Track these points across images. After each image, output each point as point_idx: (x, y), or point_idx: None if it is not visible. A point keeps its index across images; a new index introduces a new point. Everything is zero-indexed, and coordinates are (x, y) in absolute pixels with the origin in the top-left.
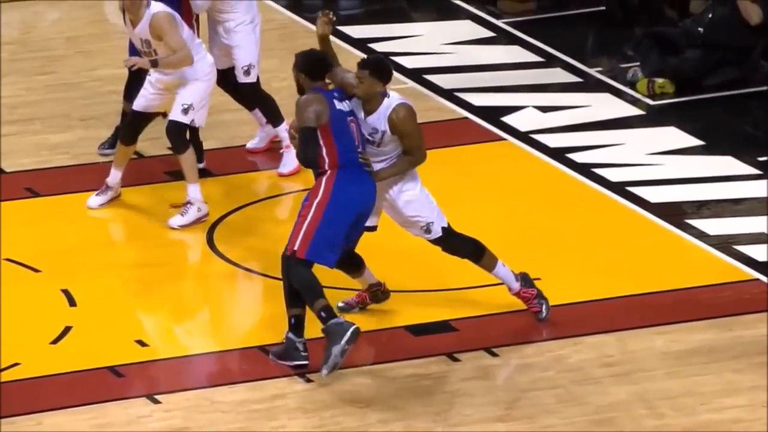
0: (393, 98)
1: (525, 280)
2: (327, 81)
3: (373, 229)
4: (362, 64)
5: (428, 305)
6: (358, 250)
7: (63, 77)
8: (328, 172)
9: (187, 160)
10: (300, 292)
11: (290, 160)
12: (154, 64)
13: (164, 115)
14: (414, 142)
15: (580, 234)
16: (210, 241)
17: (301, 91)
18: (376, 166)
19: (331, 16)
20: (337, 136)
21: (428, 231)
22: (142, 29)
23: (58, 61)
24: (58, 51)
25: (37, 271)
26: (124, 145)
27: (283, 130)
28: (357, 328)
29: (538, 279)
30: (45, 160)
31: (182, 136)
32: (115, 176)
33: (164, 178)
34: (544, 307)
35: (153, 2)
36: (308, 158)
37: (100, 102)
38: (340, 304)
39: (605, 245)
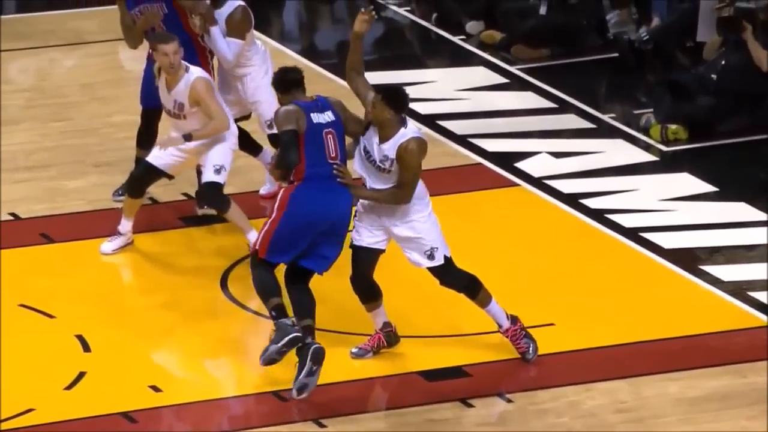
0: (409, 130)
1: (514, 321)
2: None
3: (382, 251)
4: (378, 89)
5: (441, 350)
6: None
7: (78, 123)
8: (294, 183)
9: (233, 213)
10: (255, 289)
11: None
12: (188, 138)
13: (170, 177)
14: (408, 178)
15: (594, 279)
16: (224, 286)
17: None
18: (388, 218)
19: (373, 13)
20: (307, 148)
21: (431, 257)
22: (179, 92)
23: (74, 107)
24: (74, 97)
25: (51, 316)
26: (132, 199)
27: None
28: (319, 349)
29: (552, 324)
30: (60, 206)
31: (220, 194)
32: (126, 225)
33: (178, 224)
34: (531, 348)
35: (191, 66)
36: (290, 162)
37: (114, 148)
38: (354, 350)
39: (619, 291)
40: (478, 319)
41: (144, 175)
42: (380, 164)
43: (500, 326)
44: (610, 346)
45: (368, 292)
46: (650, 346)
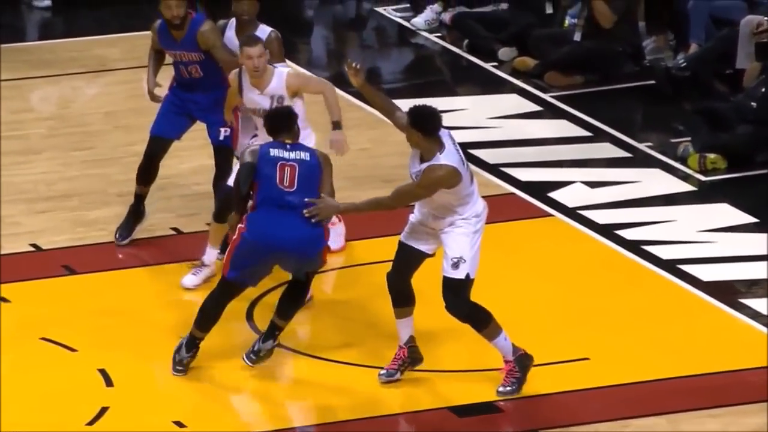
0: (444, 155)
1: (520, 359)
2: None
3: (429, 255)
4: (408, 113)
5: (472, 385)
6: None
7: (101, 152)
8: (249, 210)
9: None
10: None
11: (336, 236)
12: (338, 125)
13: None
14: (407, 189)
15: (630, 313)
16: (249, 318)
17: None
18: (436, 222)
19: (354, 65)
20: (260, 177)
21: (455, 266)
22: (275, 88)
23: (96, 136)
24: (96, 126)
25: (73, 350)
26: (221, 224)
27: None
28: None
29: (586, 359)
30: (82, 236)
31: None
32: (211, 254)
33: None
34: (511, 388)
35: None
36: (240, 190)
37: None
38: (382, 373)
39: (656, 324)
40: None
41: (228, 197)
42: None
43: (504, 358)
44: (647, 381)
45: (401, 294)
46: (689, 382)
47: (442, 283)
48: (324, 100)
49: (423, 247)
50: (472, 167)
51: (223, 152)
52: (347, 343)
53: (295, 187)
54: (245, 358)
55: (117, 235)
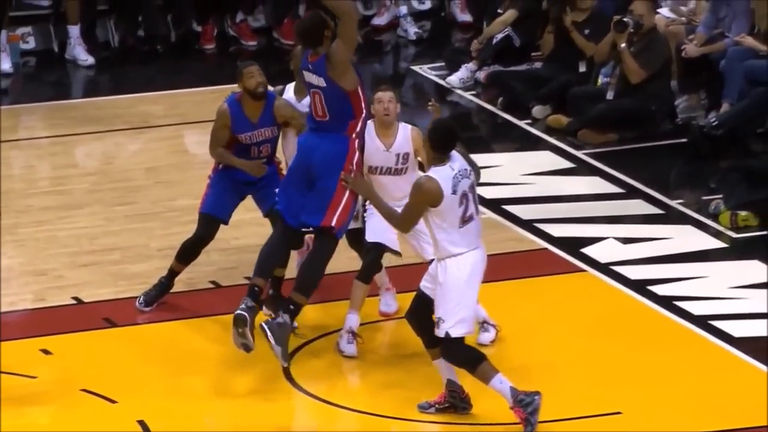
0: (434, 171)
1: (521, 402)
2: None
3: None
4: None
5: None
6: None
7: (142, 207)
8: None
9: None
10: None
11: (391, 300)
12: (369, 196)
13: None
14: (405, 209)
15: (662, 368)
16: (287, 371)
17: None
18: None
19: (432, 102)
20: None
21: (437, 325)
22: (401, 144)
23: (138, 191)
24: (138, 181)
25: (113, 401)
26: (366, 283)
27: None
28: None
29: (618, 413)
30: (123, 290)
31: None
32: (355, 321)
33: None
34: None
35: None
36: None
37: (178, 232)
38: (422, 402)
39: (688, 380)
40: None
41: (378, 257)
42: None
43: (508, 402)
44: None
45: (422, 335)
46: None
47: None
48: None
49: (427, 290)
50: (506, 222)
51: (213, 225)
52: (384, 394)
53: (326, 116)
54: (263, 324)
55: (141, 301)
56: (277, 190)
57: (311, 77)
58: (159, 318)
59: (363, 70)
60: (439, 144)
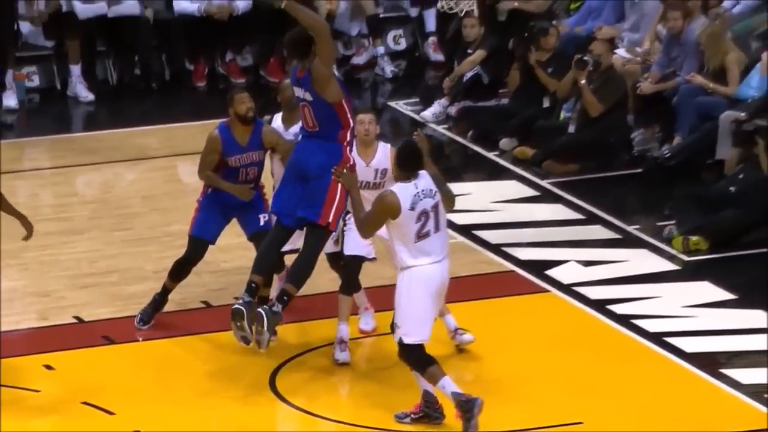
0: (397, 186)
1: (462, 405)
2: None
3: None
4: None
5: None
6: None
7: (138, 233)
8: None
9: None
10: None
11: (370, 319)
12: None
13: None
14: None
15: (621, 381)
16: (272, 384)
17: None
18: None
19: (418, 132)
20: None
21: (392, 330)
22: (380, 161)
23: (134, 217)
24: (135, 208)
25: (111, 413)
26: (349, 295)
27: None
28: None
29: (580, 423)
30: (121, 309)
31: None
32: (345, 331)
33: (229, 327)
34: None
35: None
36: None
37: (172, 255)
38: (398, 413)
39: (644, 392)
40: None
41: (356, 268)
42: None
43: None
44: None
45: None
46: None
47: None
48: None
49: None
50: (476, 246)
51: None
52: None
53: (315, 127)
54: (261, 310)
55: (138, 320)
56: (261, 215)
57: (299, 91)
58: (154, 335)
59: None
60: (405, 162)
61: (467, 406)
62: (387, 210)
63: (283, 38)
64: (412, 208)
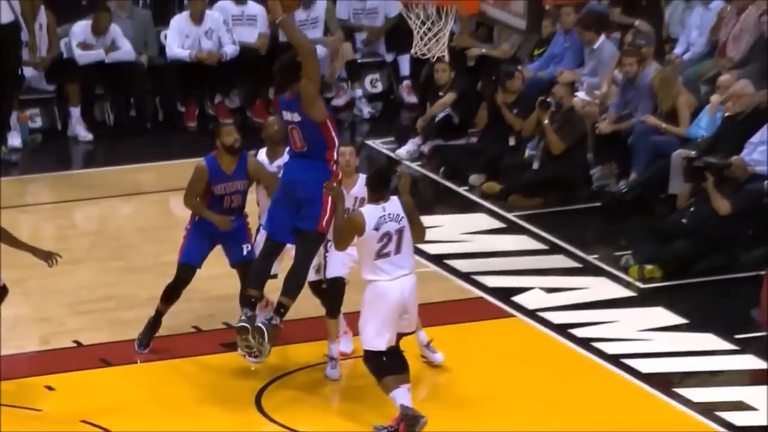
0: (366, 207)
1: (406, 418)
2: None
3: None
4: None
5: None
6: None
7: (133, 262)
8: None
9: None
10: None
11: (349, 341)
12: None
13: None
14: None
15: (582, 399)
16: (258, 403)
17: None
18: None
19: (400, 170)
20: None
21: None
22: (358, 189)
23: (130, 248)
24: (130, 240)
25: (108, 431)
26: (334, 318)
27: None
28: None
29: None
30: (117, 334)
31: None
32: (335, 349)
33: (220, 349)
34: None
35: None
36: None
37: (165, 283)
38: (378, 425)
39: (604, 409)
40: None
41: (339, 290)
42: None
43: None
44: None
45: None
46: None
47: None
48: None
49: None
50: (447, 275)
51: (249, 266)
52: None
53: (304, 148)
54: (260, 324)
55: (138, 344)
56: (244, 245)
57: (288, 115)
58: (148, 358)
59: None
60: (374, 185)
61: (412, 422)
62: (354, 228)
63: (266, 83)
64: (376, 229)
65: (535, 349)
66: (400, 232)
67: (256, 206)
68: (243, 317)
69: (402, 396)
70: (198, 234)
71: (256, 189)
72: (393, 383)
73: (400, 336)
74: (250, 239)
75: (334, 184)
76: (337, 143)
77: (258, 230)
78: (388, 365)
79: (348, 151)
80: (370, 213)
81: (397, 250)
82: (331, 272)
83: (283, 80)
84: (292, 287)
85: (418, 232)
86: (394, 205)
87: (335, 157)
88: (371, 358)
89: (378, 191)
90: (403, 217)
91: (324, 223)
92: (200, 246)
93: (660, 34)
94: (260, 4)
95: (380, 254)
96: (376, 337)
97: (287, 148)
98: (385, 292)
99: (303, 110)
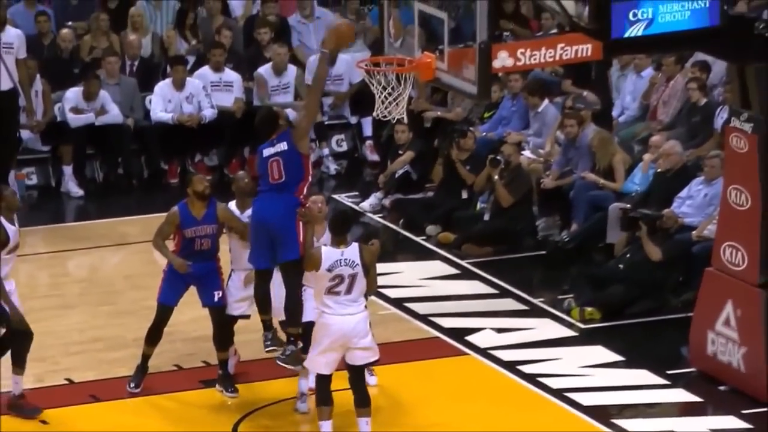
0: (326, 247)
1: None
2: None
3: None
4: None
5: None
6: None
7: (121, 307)
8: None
9: None
10: None
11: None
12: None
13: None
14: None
15: (529, 429)
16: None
17: None
18: None
19: (374, 241)
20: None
21: None
22: (327, 238)
23: (118, 294)
24: (118, 286)
25: None
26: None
27: None
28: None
29: None
30: (106, 372)
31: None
32: (304, 385)
33: (199, 386)
34: None
35: None
36: None
37: (149, 326)
38: None
39: None
40: None
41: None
42: None
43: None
44: None
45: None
46: None
47: None
48: None
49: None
50: (406, 316)
51: (220, 311)
52: None
53: (282, 179)
54: (282, 359)
55: (131, 385)
56: (215, 291)
57: (271, 149)
58: (134, 394)
59: None
60: (336, 228)
61: None
62: (311, 263)
63: (242, 143)
64: (329, 270)
65: (487, 384)
66: (352, 277)
67: (228, 253)
68: (266, 342)
69: (325, 428)
70: (174, 275)
71: (228, 237)
72: (326, 414)
73: (358, 368)
74: (222, 285)
75: (305, 209)
76: (311, 179)
77: (230, 276)
78: (327, 396)
79: (320, 199)
80: (328, 254)
81: (348, 291)
82: (307, 317)
83: (264, 130)
84: (293, 316)
85: (372, 283)
86: (352, 251)
87: (305, 192)
88: (318, 381)
89: (339, 234)
90: (358, 264)
91: (301, 248)
92: (176, 287)
93: (608, 102)
94: (235, 72)
95: (330, 291)
96: (317, 363)
97: (259, 189)
98: (327, 324)
99: (293, 140)
